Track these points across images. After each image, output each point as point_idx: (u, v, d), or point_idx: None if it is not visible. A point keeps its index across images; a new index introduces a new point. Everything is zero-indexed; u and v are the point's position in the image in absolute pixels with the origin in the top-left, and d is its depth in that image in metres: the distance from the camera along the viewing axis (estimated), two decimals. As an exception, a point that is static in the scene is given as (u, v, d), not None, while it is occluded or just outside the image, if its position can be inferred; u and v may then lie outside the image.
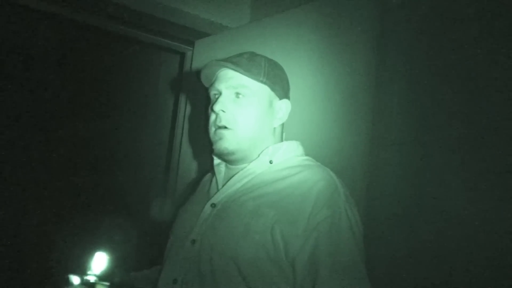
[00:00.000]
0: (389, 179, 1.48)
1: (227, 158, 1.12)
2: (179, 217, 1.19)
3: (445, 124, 1.36)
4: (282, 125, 1.18)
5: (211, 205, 1.08)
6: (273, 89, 1.12)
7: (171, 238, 1.15)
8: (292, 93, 1.67)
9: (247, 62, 1.08)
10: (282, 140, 1.17)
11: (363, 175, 1.47)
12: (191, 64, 2.23)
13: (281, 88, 1.14)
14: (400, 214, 1.42)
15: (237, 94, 1.08)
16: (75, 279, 1.07)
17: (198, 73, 1.16)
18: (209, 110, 1.13)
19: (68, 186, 2.85)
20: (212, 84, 1.13)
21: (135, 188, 3.09)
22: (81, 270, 1.09)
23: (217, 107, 1.07)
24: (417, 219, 1.37)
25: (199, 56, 2.15)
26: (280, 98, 1.15)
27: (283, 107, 1.15)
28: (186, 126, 2.20)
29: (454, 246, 1.26)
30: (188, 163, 2.14)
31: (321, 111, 1.59)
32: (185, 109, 2.25)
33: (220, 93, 1.09)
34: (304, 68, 1.65)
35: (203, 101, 2.09)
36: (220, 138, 1.08)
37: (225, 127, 1.07)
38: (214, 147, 1.10)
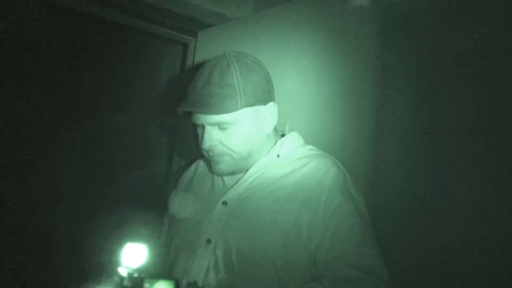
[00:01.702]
0: (393, 172, 1.48)
1: (229, 176, 1.13)
2: (183, 214, 1.17)
3: (450, 117, 1.35)
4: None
5: (223, 203, 1.08)
6: (254, 104, 1.05)
7: (177, 237, 1.13)
8: (296, 85, 1.66)
9: (219, 93, 1.00)
10: (279, 137, 1.16)
11: (367, 167, 1.47)
12: (194, 55, 2.21)
13: (262, 94, 1.06)
14: (404, 208, 1.42)
15: (219, 127, 1.05)
16: (123, 271, 0.96)
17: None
18: (197, 134, 1.10)
19: (65, 183, 2.85)
20: (192, 114, 1.08)
21: (135, 180, 3.09)
22: (113, 262, 1.01)
23: (205, 146, 1.05)
24: (421, 211, 1.38)
25: (202, 47, 2.13)
26: (265, 103, 1.08)
27: (271, 110, 1.09)
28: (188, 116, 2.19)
29: (458, 239, 1.26)
30: (190, 155, 2.13)
31: (325, 103, 1.58)
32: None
33: (203, 127, 1.06)
34: (308, 60, 1.64)
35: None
36: (218, 163, 1.08)
37: (219, 155, 1.07)
38: (213, 169, 1.10)
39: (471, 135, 1.29)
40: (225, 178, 1.14)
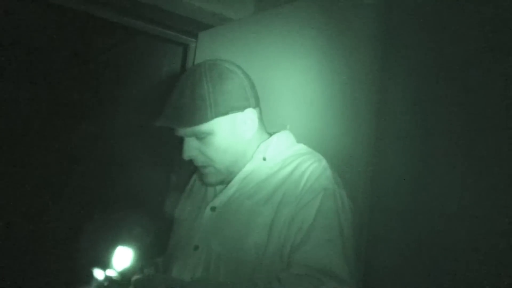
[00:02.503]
0: (393, 173, 1.48)
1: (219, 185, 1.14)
2: (179, 221, 1.19)
3: (449, 119, 1.35)
4: (260, 124, 1.14)
5: (211, 208, 1.09)
6: (227, 113, 1.05)
7: (172, 242, 1.15)
8: (296, 86, 1.66)
9: (190, 104, 1.02)
10: (269, 136, 1.15)
11: (366, 169, 1.46)
12: (194, 56, 2.21)
13: (237, 102, 1.06)
14: (404, 208, 1.42)
15: (197, 137, 1.06)
16: (99, 274, 1.01)
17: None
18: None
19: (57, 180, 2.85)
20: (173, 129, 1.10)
21: (134, 181, 3.09)
22: (103, 265, 1.03)
23: (185, 156, 1.07)
24: (421, 213, 1.37)
25: (203, 48, 2.13)
26: (242, 110, 1.07)
27: (249, 116, 1.09)
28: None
29: (457, 241, 1.26)
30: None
31: (325, 104, 1.57)
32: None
33: (183, 137, 1.08)
34: (308, 61, 1.64)
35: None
36: (205, 175, 1.10)
37: (203, 166, 1.09)
38: (203, 181, 1.13)
39: (471, 137, 1.28)
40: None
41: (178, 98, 1.04)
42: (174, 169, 2.33)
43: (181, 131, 1.06)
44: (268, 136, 1.15)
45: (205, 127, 1.03)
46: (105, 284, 1.00)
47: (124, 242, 1.09)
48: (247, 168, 1.09)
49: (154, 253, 1.30)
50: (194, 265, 1.02)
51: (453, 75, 1.36)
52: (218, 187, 1.13)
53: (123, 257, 1.05)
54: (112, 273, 1.02)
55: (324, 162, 1.05)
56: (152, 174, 3.06)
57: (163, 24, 2.22)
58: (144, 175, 3.12)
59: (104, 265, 1.03)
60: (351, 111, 1.51)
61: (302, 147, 1.14)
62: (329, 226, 0.96)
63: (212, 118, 1.02)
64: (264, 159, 1.09)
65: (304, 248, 0.93)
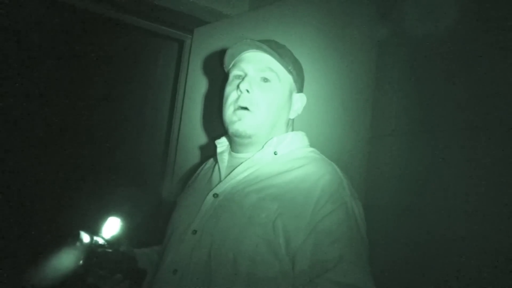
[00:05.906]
0: (388, 170, 1.48)
1: (241, 141, 1.10)
2: (179, 206, 1.18)
3: (444, 116, 1.36)
4: (292, 121, 1.19)
5: (214, 195, 1.07)
6: (295, 81, 1.13)
7: (170, 227, 1.13)
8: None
9: (281, 51, 1.11)
10: (286, 131, 1.16)
11: (361, 166, 1.47)
12: (189, 52, 2.21)
13: (301, 81, 1.17)
14: (398, 205, 1.43)
15: (265, 78, 1.07)
16: (85, 237, 1.04)
17: (224, 50, 1.15)
18: (227, 89, 1.11)
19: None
20: (235, 64, 1.12)
21: (133, 173, 3.10)
22: (92, 231, 1.07)
23: (243, 86, 1.05)
24: (415, 210, 1.38)
25: (198, 44, 2.13)
26: (298, 91, 1.16)
27: (300, 100, 1.16)
28: (184, 113, 2.20)
29: (453, 238, 1.26)
30: (185, 151, 2.13)
31: (320, 102, 1.58)
32: (183, 96, 2.25)
33: (245, 74, 1.08)
34: (302, 58, 1.64)
35: (202, 88, 2.09)
36: (240, 119, 1.06)
37: (246, 109, 1.06)
38: (231, 127, 1.08)
39: (465, 134, 1.29)
40: (223, 171, 1.13)
41: (264, 41, 1.11)
42: (168, 164, 2.33)
43: (257, 62, 1.08)
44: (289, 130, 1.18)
45: (280, 72, 1.09)
46: (89, 245, 1.04)
47: (115, 213, 1.12)
48: (255, 158, 1.08)
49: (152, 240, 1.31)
50: (191, 249, 1.01)
51: (449, 73, 1.36)
52: (224, 175, 1.11)
53: (112, 227, 1.09)
54: (99, 239, 1.05)
55: (339, 172, 1.04)
56: (143, 170, 3.07)
57: (159, 20, 2.22)
58: (136, 168, 3.13)
59: (91, 231, 1.07)
60: (346, 109, 1.51)
61: (314, 151, 1.13)
62: (353, 242, 0.95)
63: (290, 71, 1.11)
64: (275, 153, 1.08)
65: (339, 267, 0.90)
